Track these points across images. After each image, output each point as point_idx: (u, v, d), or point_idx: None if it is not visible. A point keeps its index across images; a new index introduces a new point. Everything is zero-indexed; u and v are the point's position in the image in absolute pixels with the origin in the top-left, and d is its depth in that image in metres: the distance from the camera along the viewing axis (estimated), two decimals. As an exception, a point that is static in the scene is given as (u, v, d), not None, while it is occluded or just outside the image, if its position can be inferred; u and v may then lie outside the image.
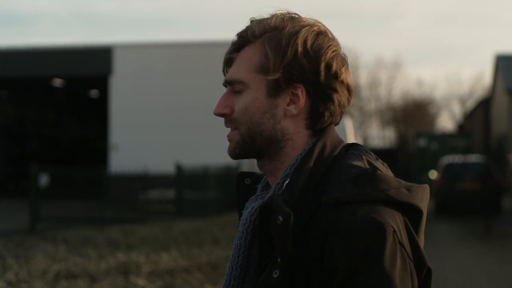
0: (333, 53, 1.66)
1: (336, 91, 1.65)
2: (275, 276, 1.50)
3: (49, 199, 21.33)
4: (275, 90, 1.64)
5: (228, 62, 1.73)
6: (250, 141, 1.67)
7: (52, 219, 19.45)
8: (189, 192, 22.44)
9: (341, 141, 1.68)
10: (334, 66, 1.65)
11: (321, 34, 1.67)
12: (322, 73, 1.63)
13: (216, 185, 23.56)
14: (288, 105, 1.65)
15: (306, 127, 1.66)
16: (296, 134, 1.66)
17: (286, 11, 1.70)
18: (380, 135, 67.30)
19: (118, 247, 11.83)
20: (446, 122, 69.62)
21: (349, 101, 1.71)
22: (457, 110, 67.89)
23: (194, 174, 22.94)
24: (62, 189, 25.39)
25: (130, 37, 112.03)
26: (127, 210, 21.80)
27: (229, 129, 1.72)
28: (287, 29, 1.65)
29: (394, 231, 1.47)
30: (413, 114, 64.59)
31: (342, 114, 1.70)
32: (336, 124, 1.71)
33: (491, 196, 20.09)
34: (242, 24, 1.72)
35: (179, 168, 22.27)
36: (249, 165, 17.10)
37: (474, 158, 26.66)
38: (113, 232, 14.44)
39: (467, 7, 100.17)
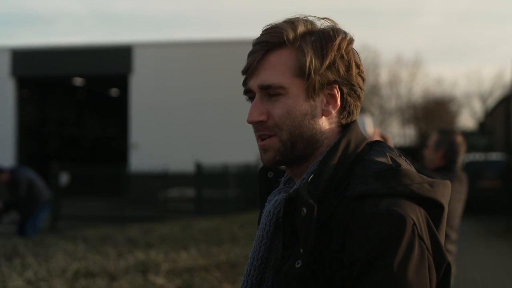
0: (357, 52, 1.74)
1: (361, 88, 1.73)
2: (298, 266, 1.53)
3: (70, 197, 21.43)
4: (313, 92, 1.68)
5: (250, 70, 1.72)
6: (291, 145, 1.69)
7: (73, 217, 19.53)
8: (209, 191, 22.46)
9: (364, 138, 1.73)
10: (361, 66, 1.72)
11: (348, 36, 1.72)
12: (354, 73, 1.70)
13: (236, 183, 23.56)
14: (325, 105, 1.70)
15: (338, 124, 1.72)
16: (330, 133, 1.71)
17: (302, 15, 1.74)
18: (401, 133, 66.99)
19: (137, 246, 11.85)
20: (467, 120, 69.25)
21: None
22: (478, 108, 67.52)
23: (214, 173, 22.96)
24: (82, 187, 25.50)
25: (150, 36, 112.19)
26: (147, 208, 21.84)
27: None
28: (321, 33, 1.70)
29: (414, 224, 1.50)
30: (433, 112, 64.23)
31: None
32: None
33: (512, 195, 19.92)
34: (261, 22, 1.74)
35: (198, 167, 22.29)
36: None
37: (495, 156, 26.49)
38: (132, 231, 14.47)
39: (487, 4, 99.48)
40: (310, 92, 1.67)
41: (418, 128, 64.93)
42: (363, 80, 1.74)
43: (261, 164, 1.80)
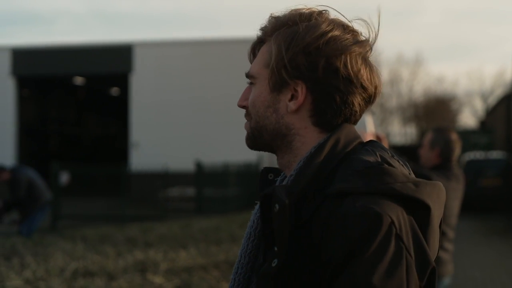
0: (341, 51, 1.62)
1: (337, 88, 1.63)
2: (274, 265, 1.50)
3: (70, 197, 21.42)
4: (278, 85, 1.66)
5: (250, 60, 1.78)
6: (258, 134, 1.72)
7: (73, 217, 19.52)
8: (209, 190, 22.45)
9: (357, 138, 1.68)
10: (336, 64, 1.62)
11: (333, 33, 1.64)
12: (320, 71, 1.62)
13: (236, 182, 23.53)
14: (289, 100, 1.66)
15: (313, 123, 1.66)
16: (303, 130, 1.67)
17: (311, 7, 1.70)
18: (402, 132, 67.03)
19: (137, 245, 11.84)
20: (468, 119, 69.29)
21: (367, 100, 1.69)
22: (479, 107, 67.55)
23: (214, 172, 22.95)
24: (83, 187, 25.47)
25: (150, 35, 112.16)
26: (147, 207, 21.84)
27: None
28: (296, 26, 1.65)
29: (392, 222, 1.44)
30: (434, 111, 64.24)
31: (356, 113, 1.68)
32: (355, 122, 1.70)
33: (513, 193, 19.90)
34: (261, 20, 1.74)
35: (199, 166, 22.28)
36: (269, 161, 17.07)
37: (495, 154, 26.46)
38: (132, 230, 14.46)
39: (488, 2, 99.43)
40: (275, 85, 1.67)
41: (419, 127, 64.98)
42: (350, 81, 1.62)
43: (262, 164, 1.78)
